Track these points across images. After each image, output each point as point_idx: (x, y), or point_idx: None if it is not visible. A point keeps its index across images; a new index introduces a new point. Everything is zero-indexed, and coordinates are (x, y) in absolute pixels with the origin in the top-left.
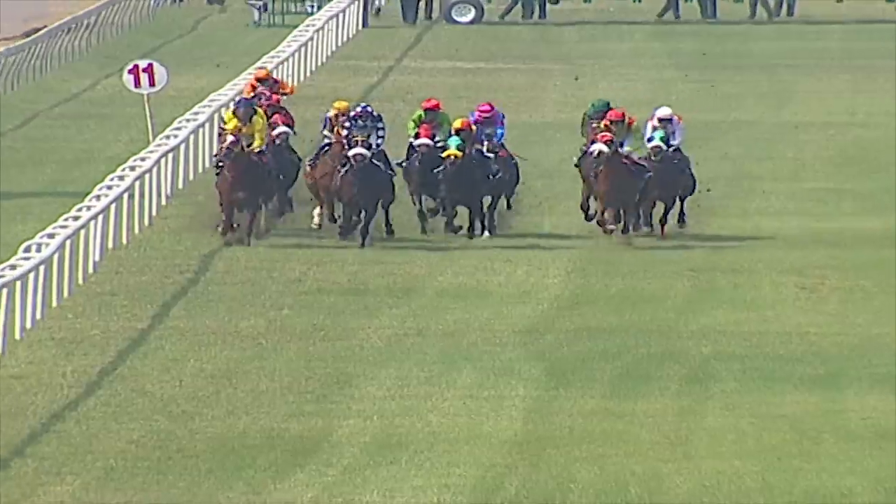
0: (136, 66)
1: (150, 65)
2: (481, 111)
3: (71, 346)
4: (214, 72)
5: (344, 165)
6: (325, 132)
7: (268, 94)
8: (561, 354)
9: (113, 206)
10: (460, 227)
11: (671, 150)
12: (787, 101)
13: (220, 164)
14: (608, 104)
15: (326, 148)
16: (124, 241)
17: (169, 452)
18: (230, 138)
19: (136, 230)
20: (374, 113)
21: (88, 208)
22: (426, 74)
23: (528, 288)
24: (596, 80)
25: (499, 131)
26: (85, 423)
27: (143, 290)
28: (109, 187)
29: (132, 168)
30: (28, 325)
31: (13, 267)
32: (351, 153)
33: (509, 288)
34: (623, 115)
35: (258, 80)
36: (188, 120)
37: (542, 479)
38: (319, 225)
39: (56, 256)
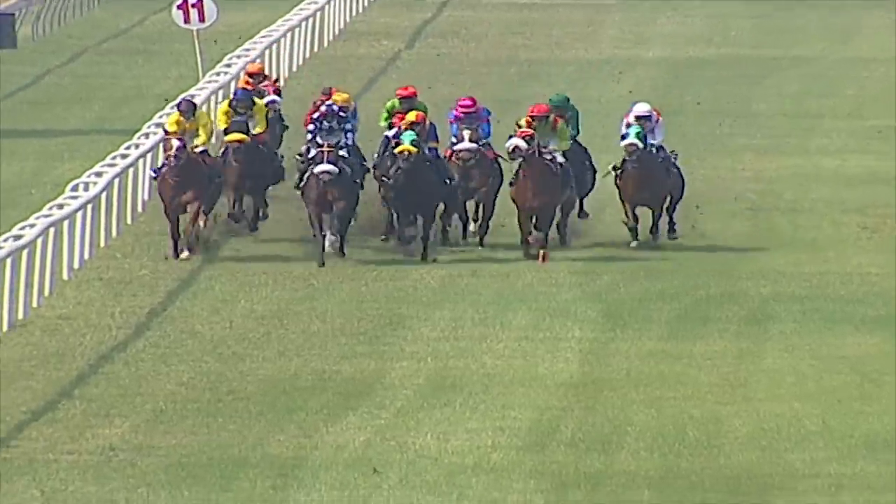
0: (186, 2)
1: (200, 0)
2: (462, 106)
3: (119, 286)
4: (265, 7)
5: (307, 176)
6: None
7: (271, 90)
8: (617, 295)
9: (162, 145)
10: (413, 237)
11: (652, 149)
12: (851, 36)
13: (162, 167)
14: (567, 99)
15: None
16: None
17: (219, 394)
18: (175, 143)
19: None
20: (341, 110)
21: (137, 146)
22: (481, 9)
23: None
24: (654, 16)
25: (484, 128)
26: (134, 364)
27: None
28: (158, 125)
29: None
30: (76, 265)
31: (60, 206)
32: (317, 170)
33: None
34: (548, 111)
35: (250, 74)
36: (238, 56)
37: (598, 422)
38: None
39: (104, 196)
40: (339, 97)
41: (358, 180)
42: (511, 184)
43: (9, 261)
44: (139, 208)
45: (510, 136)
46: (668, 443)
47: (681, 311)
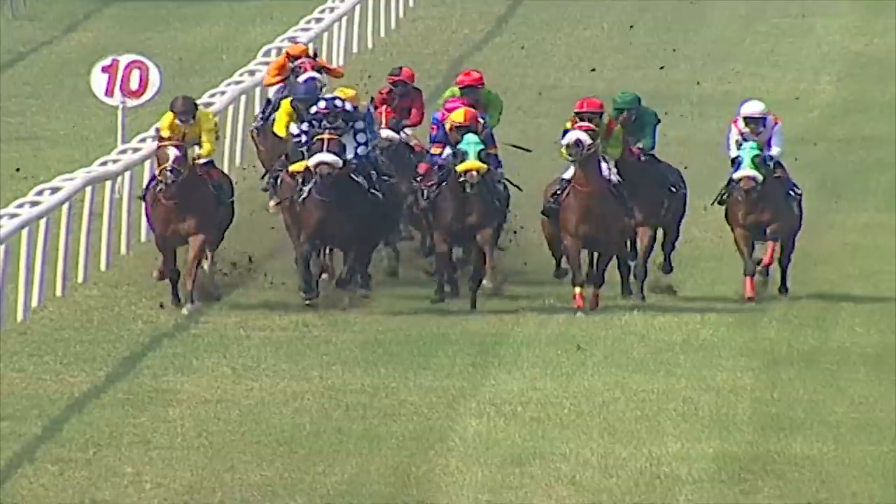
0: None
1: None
2: (451, 110)
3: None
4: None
5: (304, 182)
6: (293, 128)
7: (308, 66)
8: (833, 165)
9: (358, 7)
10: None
11: (769, 163)
12: None
13: (157, 187)
14: (638, 99)
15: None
16: (369, 44)
17: (417, 272)
18: (172, 153)
19: (385, 28)
20: (348, 107)
21: (332, 10)
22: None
23: (797, 95)
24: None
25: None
26: None
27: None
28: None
29: None
30: (239, 161)
31: (251, 73)
32: (313, 162)
33: (778, 94)
34: (601, 107)
35: (291, 57)
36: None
37: (812, 297)
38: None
39: None
40: (346, 92)
41: (388, 197)
42: (547, 210)
43: None
44: None
45: (565, 131)
46: (884, 318)
47: None
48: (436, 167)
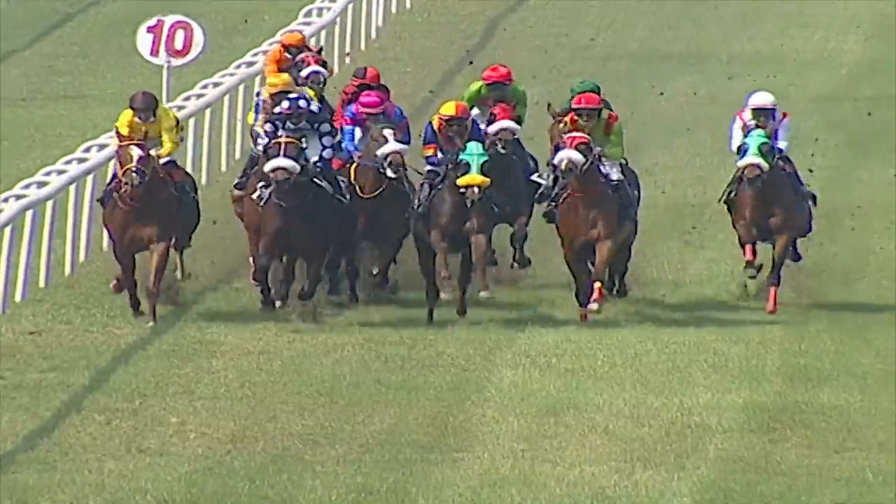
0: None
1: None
2: (365, 104)
3: None
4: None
5: (267, 187)
6: (258, 126)
7: (311, 60)
8: (860, 123)
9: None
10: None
11: (777, 159)
12: None
13: (113, 187)
14: (598, 88)
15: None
16: (408, 3)
17: None
18: (136, 152)
19: None
20: (313, 107)
21: None
22: None
23: (825, 54)
24: None
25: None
26: None
27: (426, 56)
28: None
29: None
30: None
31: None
32: (269, 167)
33: (806, 54)
34: (600, 103)
35: (287, 47)
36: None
37: (840, 251)
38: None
39: (338, 21)
40: (280, 79)
41: (337, 207)
42: (546, 214)
43: None
44: (373, 34)
45: (556, 148)
46: None
47: None
48: (427, 170)
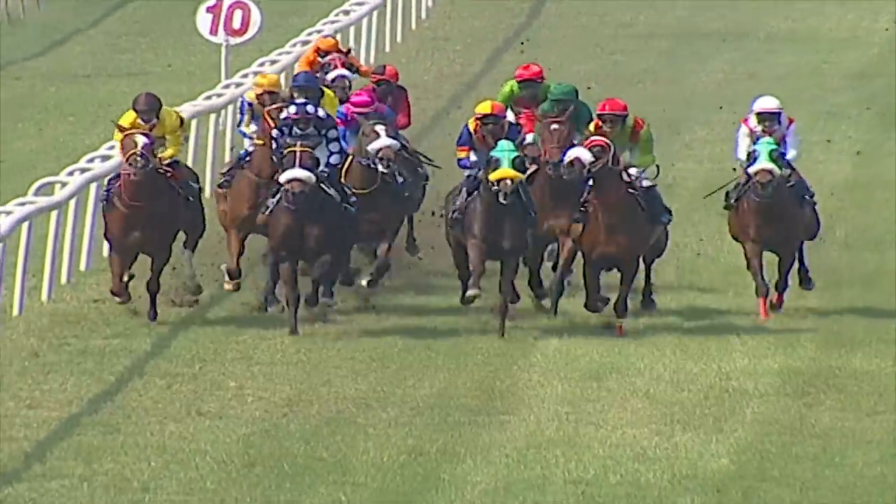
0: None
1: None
2: (357, 104)
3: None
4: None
5: (275, 195)
6: (243, 126)
7: (338, 63)
8: (890, 98)
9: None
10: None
11: (785, 171)
12: None
13: (115, 184)
14: (574, 91)
15: (246, 159)
16: None
17: None
18: (141, 139)
19: None
20: (321, 113)
21: None
22: None
23: (858, 32)
24: None
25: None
26: None
27: (475, 35)
28: None
29: None
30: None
31: (346, 13)
32: (284, 178)
33: (840, 32)
34: (625, 109)
35: (320, 51)
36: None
37: (870, 222)
38: (237, 287)
39: (388, 1)
40: (267, 80)
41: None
42: (576, 220)
43: None
44: (423, 14)
45: (569, 146)
46: None
47: None
48: (466, 175)
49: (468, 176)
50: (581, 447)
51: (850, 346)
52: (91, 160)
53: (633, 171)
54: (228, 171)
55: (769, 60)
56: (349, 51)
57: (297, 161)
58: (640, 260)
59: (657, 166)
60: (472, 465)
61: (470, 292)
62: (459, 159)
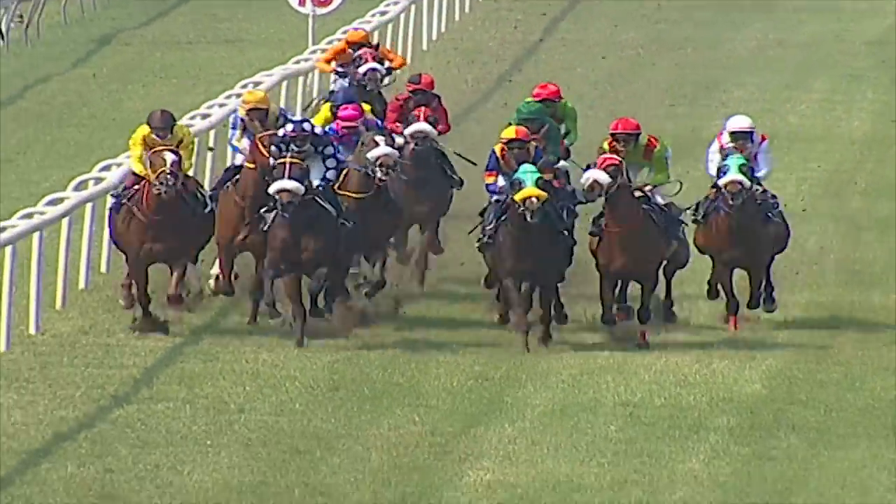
0: None
1: None
2: (344, 119)
3: (472, 55)
4: None
5: (270, 211)
6: (235, 141)
7: (370, 57)
8: None
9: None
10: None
11: (754, 187)
12: None
13: (126, 195)
14: (542, 109)
15: (235, 177)
16: None
17: None
18: (170, 157)
19: None
20: (317, 130)
21: None
22: None
23: (876, 4)
24: None
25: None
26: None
27: (532, 2)
28: None
29: None
30: (434, 37)
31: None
32: (273, 189)
33: (860, 3)
34: (638, 128)
35: (350, 43)
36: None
37: (888, 174)
38: (224, 291)
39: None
40: (253, 97)
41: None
42: (592, 234)
43: None
44: None
45: (586, 167)
46: None
47: None
48: (493, 199)
49: (496, 200)
50: (629, 373)
51: (870, 283)
52: (192, 117)
53: (646, 187)
54: (220, 182)
55: (796, 29)
56: (377, 45)
57: (287, 172)
58: (661, 272)
59: (680, 182)
60: (532, 389)
61: (517, 335)
62: (487, 184)
